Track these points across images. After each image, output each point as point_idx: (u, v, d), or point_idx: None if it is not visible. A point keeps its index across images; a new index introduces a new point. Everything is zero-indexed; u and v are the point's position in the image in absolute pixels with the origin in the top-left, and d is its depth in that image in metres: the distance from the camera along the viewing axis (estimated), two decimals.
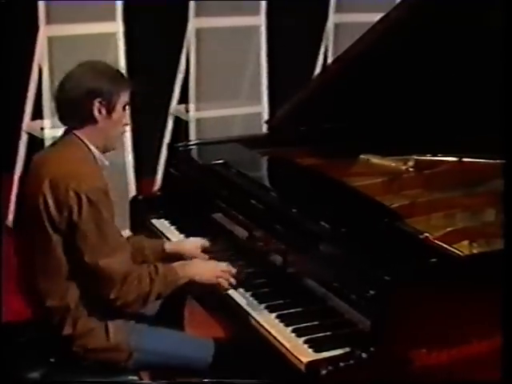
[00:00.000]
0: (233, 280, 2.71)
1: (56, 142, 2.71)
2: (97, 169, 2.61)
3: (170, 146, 4.73)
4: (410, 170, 3.34)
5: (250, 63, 5.68)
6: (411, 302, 2.30)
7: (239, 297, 2.69)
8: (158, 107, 5.53)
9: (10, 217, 5.10)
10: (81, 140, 2.61)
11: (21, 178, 5.03)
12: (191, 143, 3.71)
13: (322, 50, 6.00)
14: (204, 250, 2.93)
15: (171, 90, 5.53)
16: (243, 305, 2.65)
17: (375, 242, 2.59)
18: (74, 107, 2.58)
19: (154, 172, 5.51)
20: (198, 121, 5.50)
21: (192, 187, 3.31)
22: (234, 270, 2.73)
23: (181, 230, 3.19)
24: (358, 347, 2.30)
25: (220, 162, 3.26)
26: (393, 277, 2.31)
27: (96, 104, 2.57)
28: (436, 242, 2.58)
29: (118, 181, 4.79)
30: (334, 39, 5.91)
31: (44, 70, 4.67)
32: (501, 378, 2.25)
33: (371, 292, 2.32)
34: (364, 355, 2.28)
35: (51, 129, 4.72)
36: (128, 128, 2.68)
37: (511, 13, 2.53)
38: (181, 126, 5.61)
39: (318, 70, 5.96)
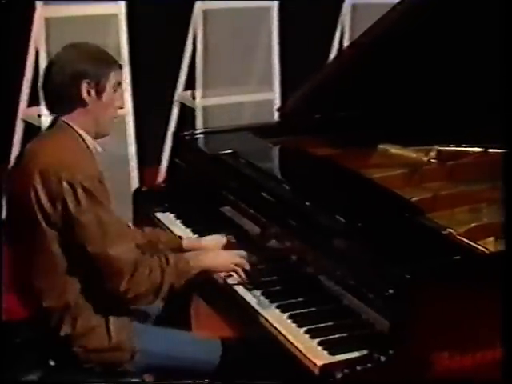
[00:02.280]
0: (248, 267, 2.73)
1: (44, 132, 2.74)
2: (89, 156, 2.62)
3: (175, 135, 4.75)
4: (432, 161, 3.34)
5: (261, 47, 5.67)
6: (433, 302, 2.30)
7: (249, 295, 2.69)
8: (162, 93, 5.53)
9: (4, 210, 5.12)
10: (70, 127, 2.62)
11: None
12: (198, 132, 3.72)
13: (338, 32, 5.99)
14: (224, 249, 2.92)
15: (176, 75, 5.54)
16: (253, 304, 2.65)
17: (394, 237, 2.59)
18: (61, 92, 2.60)
19: (158, 162, 5.52)
20: (205, 108, 5.51)
21: (199, 179, 3.32)
22: (247, 256, 2.75)
23: (187, 224, 3.20)
24: (376, 349, 2.30)
25: (228, 151, 3.27)
26: (413, 275, 2.31)
27: (84, 85, 2.59)
28: (460, 238, 2.58)
29: (120, 172, 4.80)
30: (351, 21, 5.90)
31: (41, 53, 4.68)
32: (501, 377, 2.26)
33: (390, 291, 2.32)
34: (382, 358, 2.28)
35: (49, 116, 4.72)
36: (125, 112, 2.73)
37: None
38: (187, 113, 5.61)
39: (333, 54, 5.95)
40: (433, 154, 3.36)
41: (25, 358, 2.60)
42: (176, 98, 5.58)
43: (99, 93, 2.62)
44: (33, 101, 4.89)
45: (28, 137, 4.95)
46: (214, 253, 2.82)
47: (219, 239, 2.95)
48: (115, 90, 2.67)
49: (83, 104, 2.61)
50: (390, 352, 2.28)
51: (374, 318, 2.40)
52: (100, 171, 2.58)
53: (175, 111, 5.60)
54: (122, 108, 2.75)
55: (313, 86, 3.45)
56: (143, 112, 5.08)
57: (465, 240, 2.56)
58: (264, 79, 5.67)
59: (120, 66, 2.70)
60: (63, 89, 2.60)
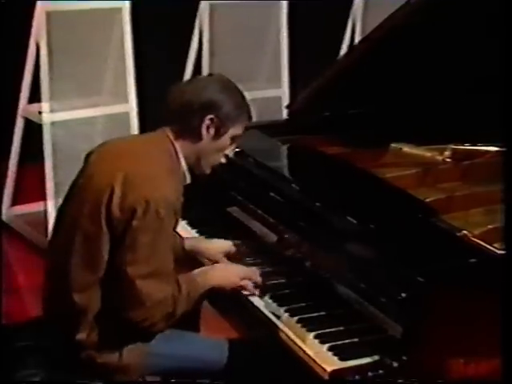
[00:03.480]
0: (259, 280, 2.72)
1: (144, 135, 2.68)
2: (177, 182, 2.58)
3: None
4: (447, 160, 3.33)
5: (270, 42, 5.68)
6: (447, 306, 2.29)
7: (257, 299, 2.69)
8: (166, 89, 5.53)
9: (4, 210, 5.12)
10: (173, 145, 2.59)
11: (17, 167, 5.05)
12: None
13: (349, 27, 5.99)
14: (227, 255, 2.92)
15: (182, 71, 5.54)
16: (261, 307, 2.65)
17: (407, 239, 2.58)
18: (183, 113, 2.57)
19: None
20: None
21: (205, 178, 3.31)
22: (258, 272, 2.74)
23: (192, 224, 3.19)
24: (388, 355, 2.29)
25: (236, 150, 3.26)
26: (427, 278, 2.31)
27: (207, 120, 2.56)
28: (475, 240, 2.57)
29: None
30: (363, 16, 5.91)
31: (42, 48, 4.68)
32: (501, 377, 2.25)
33: (403, 295, 2.31)
34: (395, 364, 2.27)
35: (50, 113, 4.73)
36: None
37: None
38: None
39: (344, 49, 5.95)
40: (447, 153, 3.35)
41: (24, 361, 2.61)
42: None
43: (218, 135, 2.59)
44: (33, 97, 4.89)
45: (28, 134, 4.97)
46: (223, 269, 2.78)
47: (223, 244, 2.93)
48: (232, 141, 2.65)
49: (197, 137, 2.58)
50: (403, 358, 2.27)
51: (386, 322, 2.39)
52: (181, 201, 2.54)
53: None
54: (227, 157, 2.70)
55: (323, 82, 3.44)
56: (147, 108, 5.08)
57: (480, 242, 2.55)
58: (272, 76, 5.68)
59: (249, 121, 2.67)
60: (187, 111, 2.57)
